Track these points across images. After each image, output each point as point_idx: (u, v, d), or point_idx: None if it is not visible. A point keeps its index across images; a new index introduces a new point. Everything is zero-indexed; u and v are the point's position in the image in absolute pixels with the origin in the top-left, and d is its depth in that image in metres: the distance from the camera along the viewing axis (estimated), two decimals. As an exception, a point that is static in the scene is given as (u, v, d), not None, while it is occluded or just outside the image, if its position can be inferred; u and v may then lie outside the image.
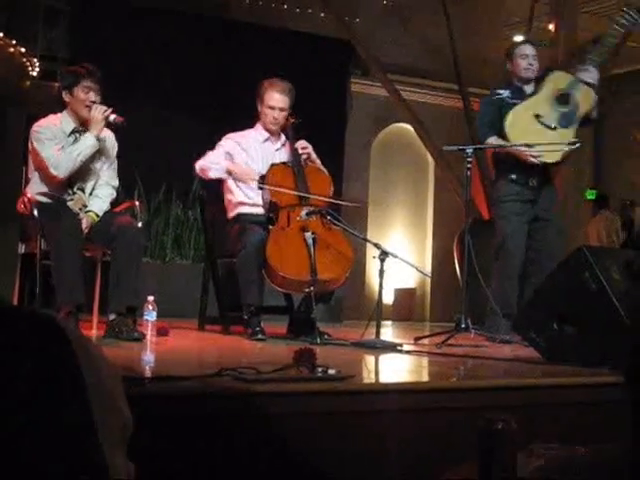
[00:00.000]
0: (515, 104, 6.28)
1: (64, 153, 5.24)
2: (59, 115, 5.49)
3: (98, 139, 5.36)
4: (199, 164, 5.95)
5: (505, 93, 6.41)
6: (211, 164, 5.92)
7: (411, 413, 3.24)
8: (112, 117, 5.36)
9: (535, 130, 6.19)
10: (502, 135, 6.21)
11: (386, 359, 4.70)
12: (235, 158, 5.98)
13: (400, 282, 10.60)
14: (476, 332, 5.70)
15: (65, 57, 8.55)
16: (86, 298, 5.18)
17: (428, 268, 10.93)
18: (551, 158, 6.18)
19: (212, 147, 6.06)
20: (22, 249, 5.58)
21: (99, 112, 5.33)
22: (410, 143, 10.95)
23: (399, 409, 3.21)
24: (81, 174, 5.40)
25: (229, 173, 5.89)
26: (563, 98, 6.26)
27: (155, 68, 9.02)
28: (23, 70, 7.50)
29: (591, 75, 6.25)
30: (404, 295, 10.94)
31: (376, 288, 5.59)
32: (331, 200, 6.00)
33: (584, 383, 3.75)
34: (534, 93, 6.35)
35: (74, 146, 5.29)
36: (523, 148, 6.12)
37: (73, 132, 5.39)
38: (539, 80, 6.42)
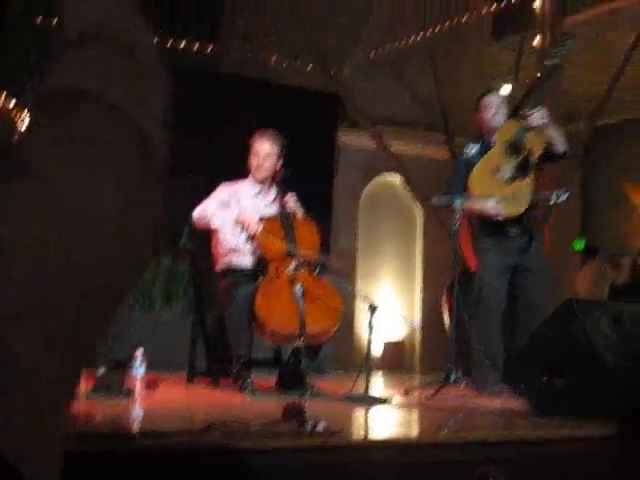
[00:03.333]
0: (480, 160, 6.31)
1: None
2: None
3: None
4: (196, 213, 5.98)
5: (472, 150, 6.43)
6: (208, 212, 5.94)
7: (401, 468, 3.22)
8: None
9: (495, 185, 6.18)
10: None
11: (376, 413, 4.68)
12: (230, 206, 5.99)
13: (389, 334, 10.58)
14: (465, 384, 5.69)
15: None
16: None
17: (418, 319, 10.93)
18: (516, 210, 6.18)
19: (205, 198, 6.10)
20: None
21: None
22: (399, 194, 11.01)
23: (389, 464, 3.20)
24: None
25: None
26: (514, 148, 6.24)
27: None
28: (11, 125, 7.53)
29: (534, 118, 6.19)
30: (393, 349, 10.91)
31: (366, 340, 5.59)
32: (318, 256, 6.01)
33: (575, 436, 3.74)
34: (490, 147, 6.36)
35: None
36: (486, 206, 6.14)
37: None
38: None
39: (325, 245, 6.59)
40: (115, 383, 4.87)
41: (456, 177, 6.43)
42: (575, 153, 6.47)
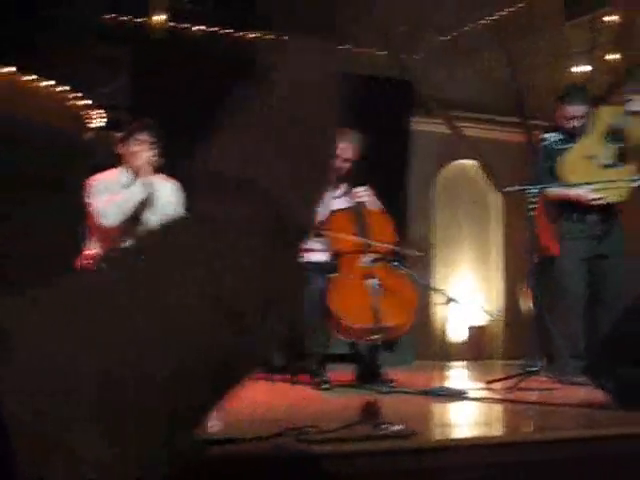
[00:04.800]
0: (564, 148, 6.16)
1: (112, 202, 5.30)
2: (117, 168, 5.56)
3: (146, 186, 5.41)
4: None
5: (552, 137, 6.29)
6: None
7: (481, 469, 3.13)
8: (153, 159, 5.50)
9: (592, 171, 6.05)
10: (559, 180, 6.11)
11: (453, 409, 4.58)
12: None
13: (474, 319, 10.42)
14: (546, 375, 5.59)
15: (128, 106, 8.59)
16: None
17: (500, 305, 10.76)
18: (614, 197, 6.05)
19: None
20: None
21: (143, 158, 5.43)
22: (474, 180, 10.84)
23: (468, 466, 3.11)
24: (133, 226, 5.40)
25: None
26: (615, 134, 6.10)
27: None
28: (81, 122, 7.54)
29: (635, 104, 6.08)
30: (478, 333, 10.76)
31: (444, 330, 5.52)
32: (393, 248, 5.93)
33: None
34: (582, 134, 6.19)
35: (121, 194, 5.35)
36: (581, 191, 6.02)
37: (129, 184, 5.44)
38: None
39: (400, 235, 6.50)
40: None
41: (539, 166, 6.32)
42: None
